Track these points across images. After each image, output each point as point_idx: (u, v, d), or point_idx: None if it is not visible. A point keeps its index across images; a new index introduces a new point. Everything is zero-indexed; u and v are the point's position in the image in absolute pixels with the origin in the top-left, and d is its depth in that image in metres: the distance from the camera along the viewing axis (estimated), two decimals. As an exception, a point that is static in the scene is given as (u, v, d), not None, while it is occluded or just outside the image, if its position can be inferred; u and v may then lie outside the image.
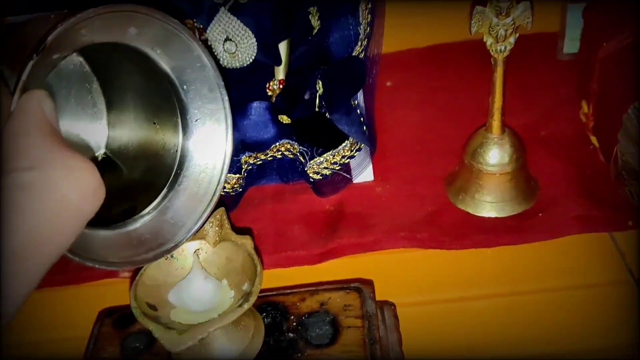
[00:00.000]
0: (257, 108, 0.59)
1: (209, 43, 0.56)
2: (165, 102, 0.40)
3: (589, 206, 0.58)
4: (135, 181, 0.42)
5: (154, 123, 0.41)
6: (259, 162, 0.60)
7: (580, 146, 0.64)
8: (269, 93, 0.63)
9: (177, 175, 0.41)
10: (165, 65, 0.37)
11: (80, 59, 0.41)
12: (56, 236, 0.27)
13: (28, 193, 0.26)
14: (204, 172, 0.41)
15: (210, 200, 0.41)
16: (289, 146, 0.59)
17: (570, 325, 0.50)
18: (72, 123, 0.41)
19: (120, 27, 0.33)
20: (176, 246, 0.40)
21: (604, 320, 0.50)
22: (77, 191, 0.28)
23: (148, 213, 0.40)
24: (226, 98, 0.39)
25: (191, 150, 0.41)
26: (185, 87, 0.39)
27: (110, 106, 0.43)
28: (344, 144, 0.60)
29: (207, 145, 0.40)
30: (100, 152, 0.43)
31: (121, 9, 0.31)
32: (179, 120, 0.40)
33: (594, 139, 0.63)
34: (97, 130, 0.43)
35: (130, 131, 0.43)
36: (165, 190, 0.40)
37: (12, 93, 0.28)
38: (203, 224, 0.41)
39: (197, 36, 0.41)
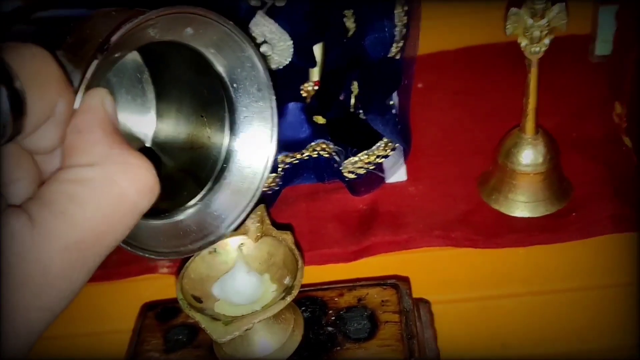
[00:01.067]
0: (293, 109, 0.60)
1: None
2: (214, 97, 0.40)
3: (622, 206, 0.58)
4: (179, 172, 0.43)
5: (202, 116, 0.42)
6: (295, 162, 0.61)
7: (613, 147, 0.64)
8: (304, 94, 0.64)
9: (223, 169, 0.41)
10: (217, 64, 0.38)
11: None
12: (113, 229, 0.29)
13: (89, 188, 0.28)
14: (248, 167, 0.41)
15: (253, 195, 0.41)
16: (324, 146, 0.60)
17: (603, 323, 0.50)
18: (121, 112, 0.42)
19: (178, 27, 0.34)
20: (219, 238, 0.41)
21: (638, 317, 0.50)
22: (135, 188, 0.29)
23: (194, 205, 0.40)
24: (273, 97, 0.40)
25: (237, 146, 0.41)
26: (235, 85, 0.39)
27: (159, 97, 0.43)
28: (378, 144, 0.61)
29: (253, 142, 0.41)
30: (147, 143, 0.44)
31: (181, 11, 0.32)
32: (227, 115, 0.41)
33: (627, 140, 0.64)
34: (145, 120, 0.43)
35: (177, 123, 0.43)
36: (210, 183, 0.41)
37: (76, 90, 0.29)
38: (246, 218, 0.42)
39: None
